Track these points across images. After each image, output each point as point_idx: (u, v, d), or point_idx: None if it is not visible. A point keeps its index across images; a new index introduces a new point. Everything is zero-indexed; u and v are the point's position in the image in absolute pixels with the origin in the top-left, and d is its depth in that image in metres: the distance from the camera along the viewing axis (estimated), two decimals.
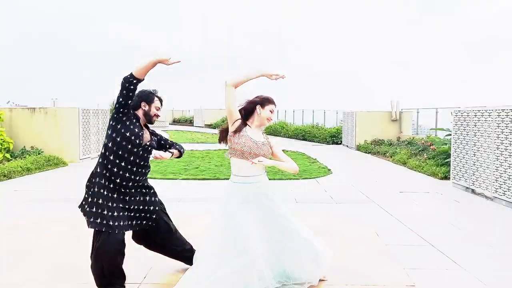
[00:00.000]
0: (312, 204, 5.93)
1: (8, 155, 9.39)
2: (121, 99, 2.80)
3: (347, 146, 15.04)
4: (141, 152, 2.90)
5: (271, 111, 2.92)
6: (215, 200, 5.70)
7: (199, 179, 7.78)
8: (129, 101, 2.84)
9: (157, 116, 3.10)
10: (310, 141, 17.29)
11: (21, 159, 9.14)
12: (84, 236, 4.18)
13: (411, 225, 4.77)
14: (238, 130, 2.82)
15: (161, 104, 3.13)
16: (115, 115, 2.86)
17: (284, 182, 7.43)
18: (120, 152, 2.81)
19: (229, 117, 2.89)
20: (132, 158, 2.85)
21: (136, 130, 2.87)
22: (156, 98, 3.10)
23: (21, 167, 8.33)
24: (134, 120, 2.91)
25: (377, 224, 4.81)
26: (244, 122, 2.88)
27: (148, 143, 2.95)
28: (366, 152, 13.02)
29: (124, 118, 2.86)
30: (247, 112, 2.93)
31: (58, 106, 10.96)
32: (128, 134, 2.83)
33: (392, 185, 7.42)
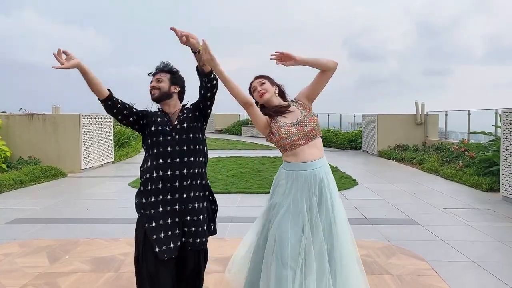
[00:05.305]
0: None
1: (4, 166, 8.68)
2: (130, 125, 2.43)
3: (367, 152, 14.00)
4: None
5: (254, 89, 2.33)
6: (225, 220, 4.98)
7: None
8: (133, 116, 2.40)
9: (152, 88, 2.40)
10: (326, 146, 16.29)
11: (17, 170, 8.40)
12: (65, 276, 3.31)
13: (473, 256, 3.79)
14: (272, 125, 2.25)
15: (163, 69, 2.43)
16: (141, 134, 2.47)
17: None
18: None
19: (266, 128, 2.28)
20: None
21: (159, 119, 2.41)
22: (153, 73, 2.48)
23: (13, 179, 7.56)
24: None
25: (430, 255, 3.84)
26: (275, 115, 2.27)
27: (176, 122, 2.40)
28: (389, 159, 11.97)
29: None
30: (265, 112, 2.31)
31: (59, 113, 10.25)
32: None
33: (431, 199, 6.41)
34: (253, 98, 2.34)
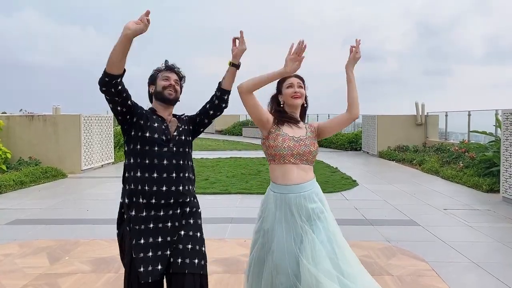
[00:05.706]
0: (341, 227, 4.97)
1: (4, 167, 8.68)
2: (113, 112, 2.02)
3: (367, 152, 14.01)
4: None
5: (291, 86, 2.19)
6: (225, 221, 5.15)
7: (208, 193, 6.89)
8: (122, 108, 2.00)
9: (170, 87, 2.13)
10: (326, 147, 16.29)
11: (17, 170, 8.41)
12: (65, 276, 3.32)
13: (474, 257, 3.79)
14: (272, 130, 2.15)
15: (175, 71, 2.19)
16: (123, 133, 2.13)
17: None
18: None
19: (263, 126, 2.17)
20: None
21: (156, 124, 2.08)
22: (161, 71, 2.20)
23: (13, 180, 7.57)
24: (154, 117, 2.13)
25: (430, 255, 3.84)
26: (281, 121, 2.18)
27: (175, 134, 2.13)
28: (389, 159, 11.98)
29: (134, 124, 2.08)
30: (277, 110, 2.24)
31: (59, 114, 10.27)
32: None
33: (431, 199, 6.41)
34: (278, 92, 2.24)
